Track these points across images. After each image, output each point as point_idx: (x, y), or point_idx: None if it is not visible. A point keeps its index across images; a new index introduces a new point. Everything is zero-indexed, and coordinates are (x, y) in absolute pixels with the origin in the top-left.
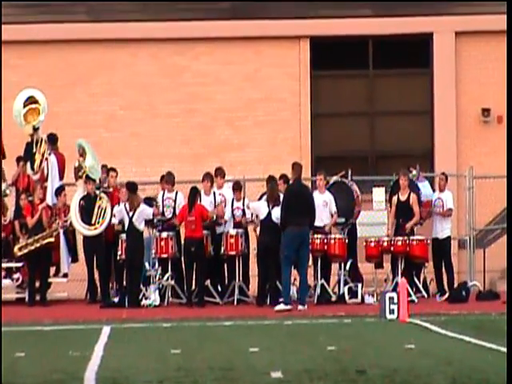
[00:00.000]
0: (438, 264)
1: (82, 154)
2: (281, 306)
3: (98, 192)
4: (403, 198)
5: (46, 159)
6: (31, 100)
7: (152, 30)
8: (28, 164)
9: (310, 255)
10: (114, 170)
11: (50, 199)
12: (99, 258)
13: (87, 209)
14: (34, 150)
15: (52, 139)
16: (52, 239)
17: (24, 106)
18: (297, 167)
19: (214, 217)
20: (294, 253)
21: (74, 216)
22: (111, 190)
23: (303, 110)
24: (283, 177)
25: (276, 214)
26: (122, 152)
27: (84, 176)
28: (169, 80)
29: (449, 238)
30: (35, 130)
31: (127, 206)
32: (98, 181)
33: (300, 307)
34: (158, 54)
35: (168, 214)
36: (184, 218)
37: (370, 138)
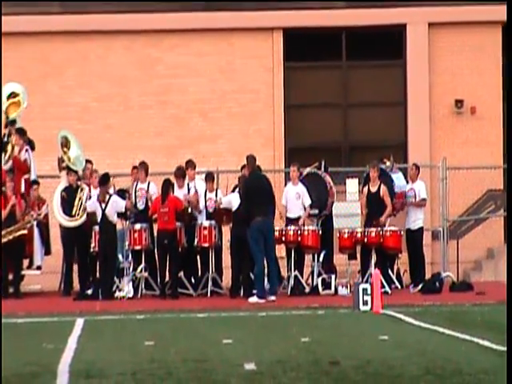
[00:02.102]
0: (412, 255)
1: (66, 144)
2: (254, 299)
3: (79, 183)
4: (373, 189)
5: (27, 150)
6: (12, 95)
7: (125, 22)
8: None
9: (284, 247)
10: (89, 161)
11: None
12: (80, 249)
13: (68, 200)
14: (6, 140)
15: (21, 132)
16: (25, 231)
17: (7, 100)
18: (250, 160)
19: (189, 209)
20: (262, 244)
21: (56, 207)
22: (90, 180)
23: (276, 101)
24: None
25: None
26: (95, 144)
27: (66, 167)
28: (142, 72)
29: (421, 229)
30: (10, 122)
31: (99, 197)
32: (80, 172)
33: (271, 297)
34: (131, 46)
35: (141, 205)
36: (157, 210)
37: (344, 129)
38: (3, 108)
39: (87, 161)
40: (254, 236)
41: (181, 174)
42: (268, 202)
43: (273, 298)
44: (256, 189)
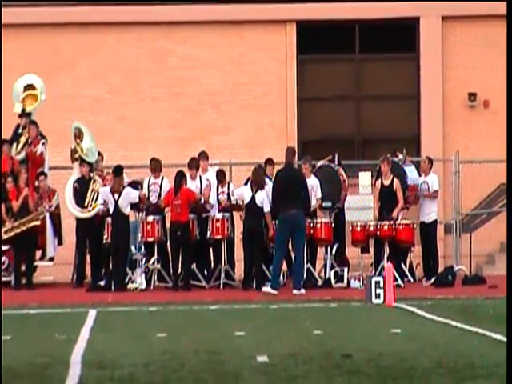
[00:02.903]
0: (425, 248)
1: (79, 136)
2: (267, 289)
3: (92, 175)
4: (386, 182)
5: (43, 144)
6: (31, 87)
7: (138, 14)
8: (14, 146)
9: None
10: (99, 154)
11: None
12: (92, 241)
13: (81, 191)
14: (20, 132)
15: (36, 124)
16: (38, 222)
17: (24, 91)
18: (288, 152)
19: (202, 200)
20: (286, 238)
21: (68, 198)
22: (105, 173)
23: (289, 94)
24: (269, 161)
25: (260, 197)
26: (107, 136)
27: (79, 159)
28: (154, 64)
29: (435, 221)
30: (25, 114)
31: (112, 188)
32: (94, 164)
33: (294, 291)
34: (143, 38)
35: (153, 200)
36: (170, 202)
37: (357, 122)
38: (19, 99)
39: (98, 153)
40: (279, 228)
41: (194, 164)
42: (297, 195)
43: (295, 291)
44: (287, 181)
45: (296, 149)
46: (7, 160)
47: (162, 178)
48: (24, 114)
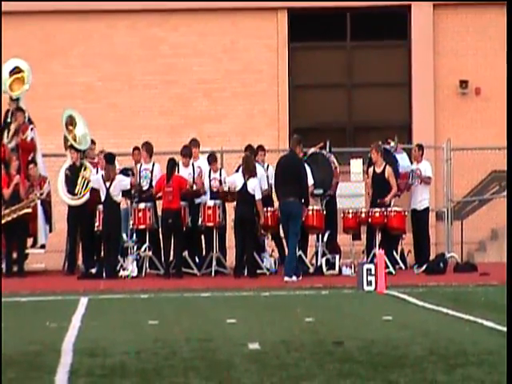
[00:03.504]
0: (417, 235)
1: (72, 123)
2: (294, 278)
3: (83, 162)
4: (379, 170)
5: (32, 129)
6: (16, 70)
7: (129, 1)
8: (5, 134)
9: None
10: (93, 142)
11: (42, 170)
12: (84, 228)
13: (71, 178)
14: (10, 120)
15: (23, 110)
16: (29, 210)
17: (10, 76)
18: (292, 139)
19: (194, 186)
20: (285, 226)
21: (60, 185)
22: (96, 160)
23: (281, 81)
24: (260, 148)
25: (251, 185)
26: (99, 123)
27: (69, 145)
28: (146, 51)
29: (427, 209)
30: (13, 100)
31: (104, 176)
32: (86, 150)
33: (286, 278)
34: (135, 26)
35: (145, 186)
36: (161, 189)
37: (348, 109)
38: (6, 85)
39: (91, 141)
40: (281, 218)
41: (187, 152)
42: (294, 183)
43: (286, 278)
44: (284, 169)
45: (287, 136)
46: None
47: (153, 164)
48: (12, 100)
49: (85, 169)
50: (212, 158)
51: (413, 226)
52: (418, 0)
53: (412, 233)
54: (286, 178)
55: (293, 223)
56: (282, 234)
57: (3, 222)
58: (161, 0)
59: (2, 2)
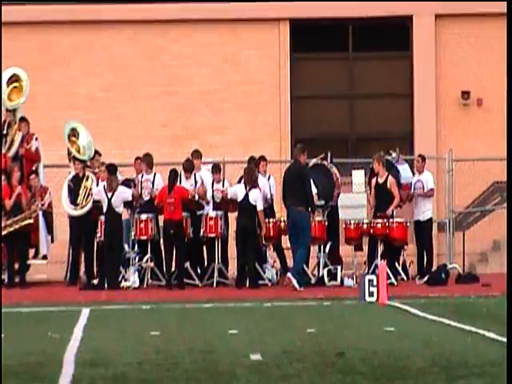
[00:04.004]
0: (420, 246)
1: (74, 134)
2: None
3: (86, 173)
4: (381, 180)
5: (37, 139)
6: (14, 78)
7: (131, 12)
8: (3, 143)
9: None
10: (98, 153)
11: (42, 180)
12: (86, 239)
13: (74, 189)
14: (6, 132)
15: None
16: (31, 221)
17: (7, 85)
18: (296, 148)
19: (196, 196)
20: (294, 234)
21: (63, 197)
22: (97, 170)
23: (283, 92)
24: (261, 158)
25: (253, 196)
26: (101, 134)
27: (72, 157)
28: (148, 62)
29: (430, 220)
30: (9, 111)
31: (106, 186)
32: (88, 161)
33: (288, 274)
34: (137, 36)
35: (146, 196)
36: (163, 200)
37: (350, 120)
38: (5, 95)
39: (96, 151)
40: (288, 226)
41: (189, 166)
42: (299, 192)
43: (289, 275)
44: (288, 177)
45: (289, 147)
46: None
47: (155, 174)
48: (8, 111)
49: (87, 179)
50: (216, 169)
51: (416, 237)
52: (419, 11)
53: (415, 244)
54: (291, 187)
55: (302, 234)
56: (283, 245)
57: (5, 232)
58: (162, 10)
59: (3, 13)
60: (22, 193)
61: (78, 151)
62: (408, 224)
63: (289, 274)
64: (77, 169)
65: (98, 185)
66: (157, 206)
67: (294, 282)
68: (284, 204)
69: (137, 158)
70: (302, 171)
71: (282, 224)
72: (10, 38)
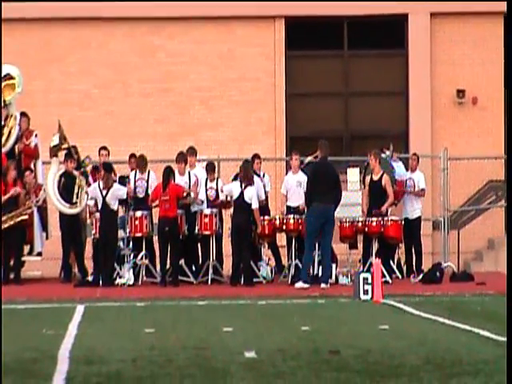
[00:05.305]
0: (409, 244)
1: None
2: (300, 284)
3: (76, 173)
4: (376, 177)
5: (36, 135)
6: (8, 77)
7: (127, 9)
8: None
9: (284, 235)
10: (105, 148)
11: (40, 177)
12: (78, 236)
13: (67, 187)
14: (3, 124)
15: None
16: (26, 217)
17: (2, 82)
18: (323, 146)
19: (192, 194)
20: (316, 230)
21: (53, 194)
22: (88, 169)
23: (278, 89)
24: (256, 156)
25: (249, 193)
26: (96, 131)
27: (64, 154)
28: (143, 59)
29: (419, 218)
30: (6, 105)
31: (101, 184)
32: (81, 162)
33: (323, 285)
34: (132, 33)
35: (140, 193)
36: (158, 197)
37: (345, 118)
38: None
39: (103, 147)
40: (311, 221)
41: (182, 159)
42: (331, 189)
43: (323, 285)
44: (323, 175)
45: (284, 144)
46: None
47: (149, 172)
48: (5, 105)
49: (78, 177)
50: (210, 167)
51: (404, 235)
52: (415, 9)
53: (403, 242)
54: (322, 184)
55: (329, 229)
56: (278, 242)
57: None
58: (157, 8)
59: (3, 8)
60: (19, 189)
61: (69, 149)
62: (403, 222)
63: (322, 285)
64: (69, 167)
65: (87, 182)
66: (151, 204)
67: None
68: (311, 200)
69: (131, 156)
70: (333, 169)
71: (277, 222)
72: (6, 35)
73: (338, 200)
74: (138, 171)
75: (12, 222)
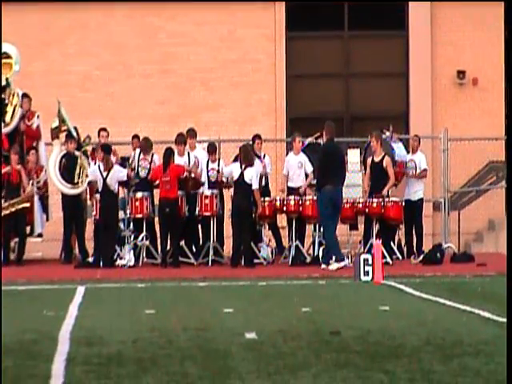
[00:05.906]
0: (410, 226)
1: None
2: (335, 265)
3: (77, 153)
4: (377, 159)
5: (38, 117)
6: (4, 56)
7: None
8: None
9: (285, 217)
10: (104, 129)
11: (43, 159)
12: (80, 217)
13: (69, 167)
14: (6, 102)
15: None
16: (27, 204)
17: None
18: (329, 127)
19: (193, 174)
20: (330, 212)
21: (54, 175)
22: (90, 149)
23: (278, 71)
24: (256, 136)
25: (249, 174)
26: (96, 112)
27: (64, 135)
28: (143, 40)
29: (421, 200)
30: (8, 83)
31: (101, 166)
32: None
33: (323, 266)
34: (132, 14)
35: (143, 174)
36: (158, 177)
37: (345, 99)
38: None
39: (102, 129)
40: (325, 203)
41: (182, 140)
42: (340, 171)
43: (323, 266)
44: (332, 156)
45: (285, 126)
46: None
47: (152, 155)
48: (6, 83)
49: (81, 157)
50: (212, 148)
51: (405, 217)
52: None
53: (404, 223)
54: (330, 166)
55: (337, 210)
56: (279, 223)
57: (2, 215)
58: None
59: None
60: (22, 173)
61: (69, 130)
62: (403, 203)
63: (323, 266)
64: (70, 147)
65: (90, 164)
66: (151, 183)
67: (334, 266)
68: (322, 181)
69: (134, 136)
70: (341, 149)
71: (278, 203)
72: (6, 16)
73: (344, 181)
74: (141, 152)
75: (13, 209)
